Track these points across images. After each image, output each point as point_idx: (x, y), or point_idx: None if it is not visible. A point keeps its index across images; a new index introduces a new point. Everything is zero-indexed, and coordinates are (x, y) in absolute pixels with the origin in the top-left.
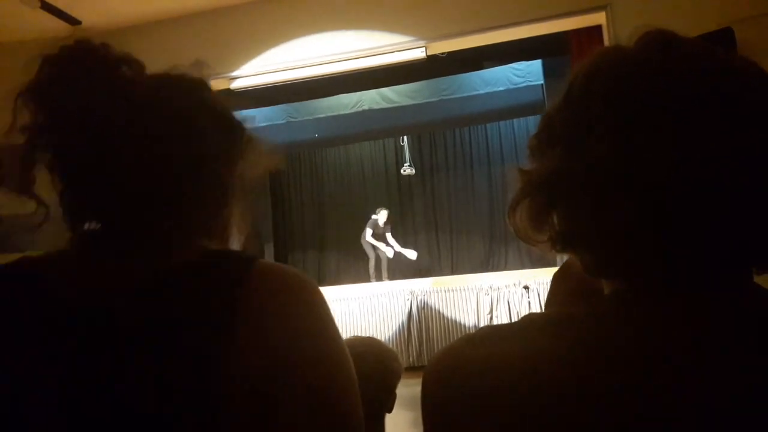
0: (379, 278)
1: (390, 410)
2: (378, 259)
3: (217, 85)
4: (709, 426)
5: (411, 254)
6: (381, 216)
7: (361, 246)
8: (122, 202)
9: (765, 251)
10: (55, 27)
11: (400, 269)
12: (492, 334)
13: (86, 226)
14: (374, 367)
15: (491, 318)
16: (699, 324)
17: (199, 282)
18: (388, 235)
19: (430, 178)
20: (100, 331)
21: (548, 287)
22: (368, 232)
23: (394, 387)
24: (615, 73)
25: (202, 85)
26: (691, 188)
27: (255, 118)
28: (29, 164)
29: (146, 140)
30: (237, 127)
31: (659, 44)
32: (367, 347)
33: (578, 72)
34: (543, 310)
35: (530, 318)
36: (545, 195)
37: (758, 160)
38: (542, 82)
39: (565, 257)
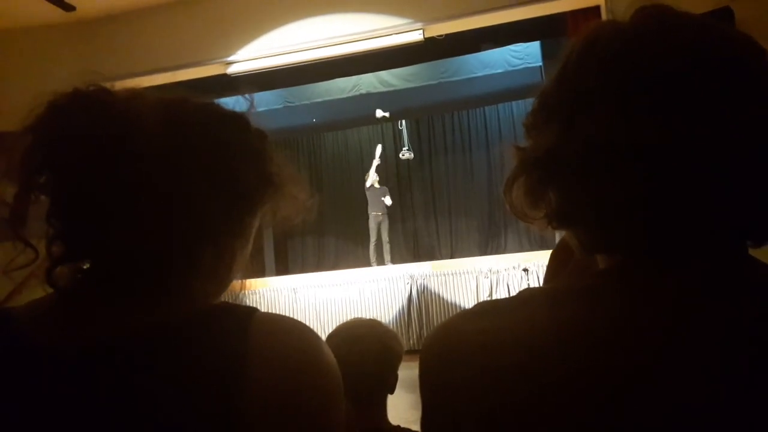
0: (380, 262)
1: (392, 391)
2: (379, 241)
3: (213, 70)
4: (705, 396)
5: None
6: (373, 177)
7: (359, 231)
8: (128, 248)
9: (760, 224)
10: (50, 13)
11: (399, 253)
12: (489, 309)
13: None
14: (375, 347)
15: (494, 299)
16: (696, 296)
17: (198, 342)
18: (387, 199)
19: (429, 161)
20: (89, 383)
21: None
22: (372, 176)
23: (395, 367)
24: (610, 47)
25: (240, 124)
26: (686, 161)
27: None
28: (23, 207)
29: (166, 186)
30: (271, 175)
31: (654, 18)
32: (368, 328)
33: (573, 48)
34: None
35: (527, 293)
36: (541, 171)
37: (754, 133)
38: (540, 63)
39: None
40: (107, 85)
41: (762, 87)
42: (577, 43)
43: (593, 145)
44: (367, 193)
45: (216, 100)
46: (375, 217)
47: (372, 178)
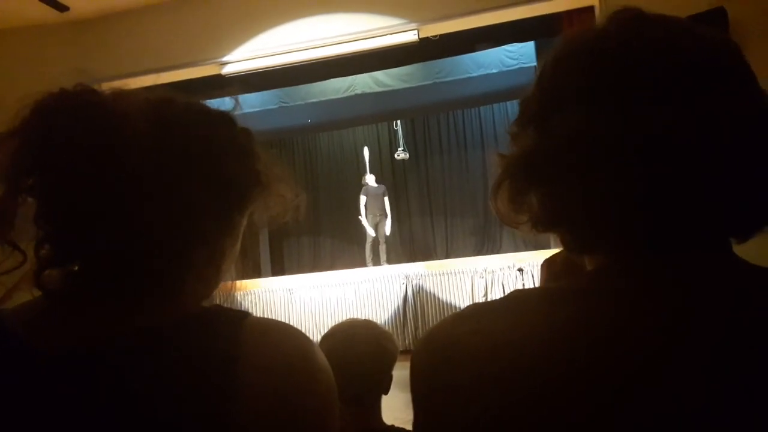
0: (376, 262)
1: (386, 392)
2: (376, 240)
3: (207, 70)
4: (705, 396)
5: (387, 229)
6: (369, 179)
7: (355, 231)
8: (118, 248)
9: (744, 220)
10: (43, 13)
11: (395, 253)
12: (481, 311)
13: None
14: (370, 348)
15: (486, 301)
16: (693, 296)
17: (190, 346)
18: (386, 200)
19: (424, 161)
20: (82, 386)
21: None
22: (362, 200)
23: (390, 368)
24: (583, 49)
25: (226, 122)
26: (663, 158)
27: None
28: (10, 210)
29: (155, 186)
30: (259, 173)
31: (625, 19)
32: (362, 329)
33: (549, 55)
34: None
35: (519, 294)
36: (522, 174)
37: (729, 127)
38: (535, 64)
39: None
40: (94, 85)
41: (735, 82)
42: (553, 50)
43: (571, 142)
44: (364, 192)
45: (205, 101)
46: (372, 218)
47: (368, 179)
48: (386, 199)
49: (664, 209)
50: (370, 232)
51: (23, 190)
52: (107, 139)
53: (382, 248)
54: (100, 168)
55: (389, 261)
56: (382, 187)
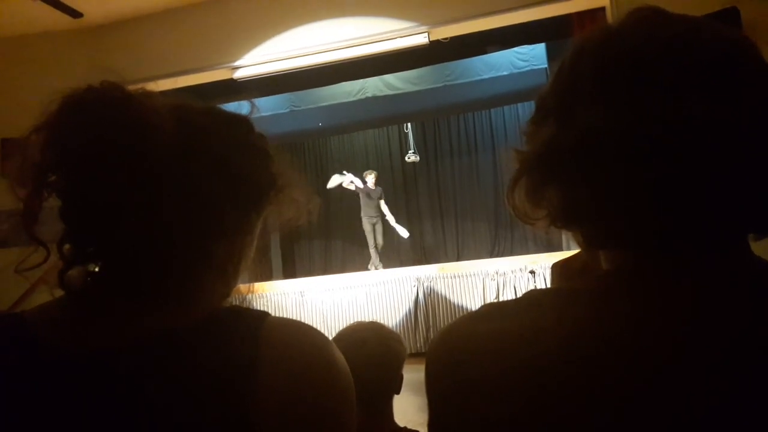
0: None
1: (398, 392)
2: (374, 245)
3: (219, 75)
4: (712, 394)
5: (403, 232)
6: (369, 179)
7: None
8: (142, 243)
9: (762, 216)
10: (57, 20)
11: (406, 255)
12: (495, 311)
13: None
14: (378, 350)
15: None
16: (711, 298)
17: (210, 347)
18: (382, 203)
19: (435, 164)
20: (103, 388)
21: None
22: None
23: (399, 368)
24: (602, 46)
25: (245, 126)
26: (679, 155)
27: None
28: (36, 205)
29: (177, 187)
30: (275, 175)
31: (644, 16)
32: (369, 331)
33: (568, 50)
34: None
35: (534, 294)
36: (540, 169)
37: (747, 124)
38: (546, 65)
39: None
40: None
41: (752, 79)
42: (571, 47)
43: (590, 137)
44: (360, 195)
45: (219, 105)
46: (369, 219)
47: (344, 180)
48: (382, 203)
49: (680, 206)
50: (371, 240)
51: (48, 185)
52: (134, 135)
53: (376, 252)
54: (125, 163)
55: (401, 264)
56: (379, 189)
